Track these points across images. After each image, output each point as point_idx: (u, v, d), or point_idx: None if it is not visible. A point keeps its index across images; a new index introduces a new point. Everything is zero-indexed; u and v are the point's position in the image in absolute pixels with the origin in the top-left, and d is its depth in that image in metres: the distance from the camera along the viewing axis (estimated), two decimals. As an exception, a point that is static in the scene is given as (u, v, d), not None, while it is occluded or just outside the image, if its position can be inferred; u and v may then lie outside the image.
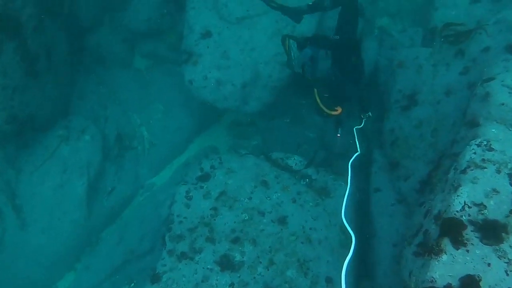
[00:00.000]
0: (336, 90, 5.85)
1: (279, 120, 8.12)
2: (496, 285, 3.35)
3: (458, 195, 3.87)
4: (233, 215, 5.78)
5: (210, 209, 5.83)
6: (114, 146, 7.90)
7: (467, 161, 4.15)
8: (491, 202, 3.78)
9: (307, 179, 6.43)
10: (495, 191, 3.84)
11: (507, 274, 3.39)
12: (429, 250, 3.66)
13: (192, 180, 6.26)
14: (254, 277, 5.24)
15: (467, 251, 3.53)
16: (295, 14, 6.32)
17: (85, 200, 7.28)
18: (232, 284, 5.19)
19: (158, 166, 8.14)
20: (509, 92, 4.78)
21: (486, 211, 3.72)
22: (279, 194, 6.02)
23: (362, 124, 6.29)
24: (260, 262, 5.36)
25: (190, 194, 5.99)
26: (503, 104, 4.70)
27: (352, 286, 5.54)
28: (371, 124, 7.22)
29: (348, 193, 5.14)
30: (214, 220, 5.73)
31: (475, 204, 3.79)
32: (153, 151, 8.13)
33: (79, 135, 7.54)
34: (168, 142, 8.17)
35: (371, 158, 6.68)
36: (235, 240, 5.55)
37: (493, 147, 4.23)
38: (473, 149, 4.25)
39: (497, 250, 3.50)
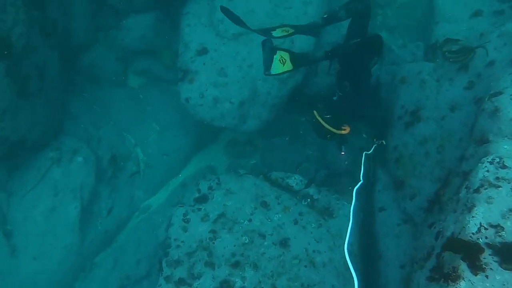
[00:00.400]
0: (344, 107, 5.72)
1: (278, 139, 7.95)
2: (519, 313, 3.13)
3: (473, 216, 3.64)
4: (233, 238, 5.54)
5: (209, 232, 5.59)
6: (108, 167, 7.67)
7: (480, 180, 3.94)
8: (508, 224, 3.56)
9: (309, 199, 6.21)
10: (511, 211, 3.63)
11: (531, 301, 3.17)
12: (445, 276, 3.43)
13: (189, 202, 6.04)
14: (256, 304, 5.00)
15: (486, 276, 3.30)
16: (312, 30, 6.26)
17: (78, 224, 7.01)
18: (233, 312, 4.95)
19: (154, 188, 7.93)
20: (520, 107, 4.60)
21: (504, 233, 3.50)
22: (280, 216, 5.79)
23: (372, 150, 6.16)
24: (262, 288, 5.11)
25: (188, 217, 5.76)
26: (513, 119, 4.52)
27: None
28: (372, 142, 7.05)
29: (351, 227, 5.07)
30: (213, 243, 5.49)
31: (492, 226, 3.56)
32: (149, 172, 7.93)
33: (71, 157, 7.29)
34: (164, 163, 7.97)
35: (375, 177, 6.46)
36: (236, 265, 5.31)
37: (506, 164, 4.03)
38: (485, 166, 4.04)
39: (518, 275, 3.28)
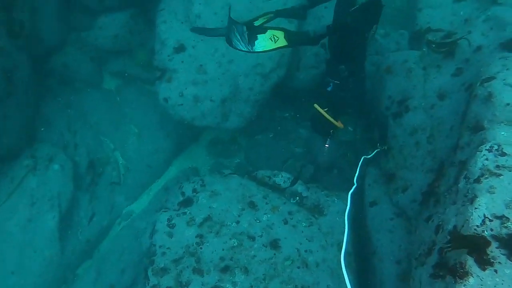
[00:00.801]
0: (343, 97, 5.52)
1: (262, 136, 7.73)
2: (533, 307, 2.95)
3: (476, 208, 3.45)
4: (221, 241, 5.28)
5: (195, 237, 5.32)
6: (86, 174, 7.35)
7: (480, 169, 3.76)
8: (514, 213, 3.38)
9: (298, 197, 5.99)
10: (516, 200, 3.45)
11: (544, 295, 2.99)
12: (452, 272, 3.23)
13: (173, 206, 5.77)
14: (249, 310, 4.76)
15: (495, 271, 3.11)
16: (298, 12, 6.07)
17: (57, 235, 6.68)
18: (225, 320, 4.70)
19: (135, 193, 7.63)
20: (514, 91, 4.44)
21: (510, 223, 3.31)
22: (269, 216, 5.55)
23: (372, 154, 5.94)
24: (255, 293, 4.88)
25: (172, 222, 5.48)
26: (508, 104, 4.34)
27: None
28: (360, 134, 6.86)
29: (348, 235, 4.80)
30: (201, 248, 5.23)
31: (496, 217, 3.37)
32: (129, 176, 7.64)
33: (47, 164, 6.95)
34: (144, 166, 7.67)
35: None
36: (225, 269, 5.06)
37: (505, 151, 3.86)
38: (484, 155, 3.86)
39: (528, 268, 3.10)
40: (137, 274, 6.19)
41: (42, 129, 7.42)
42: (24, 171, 6.84)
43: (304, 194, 6.01)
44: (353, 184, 5.58)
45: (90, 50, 7.92)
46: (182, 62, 6.61)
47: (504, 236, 3.26)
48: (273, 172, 6.28)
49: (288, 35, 5.25)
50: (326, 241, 5.44)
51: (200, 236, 5.33)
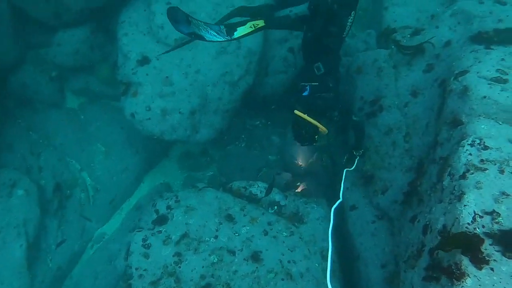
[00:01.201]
0: (323, 98, 5.22)
1: (233, 146, 7.57)
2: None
3: (465, 205, 3.34)
4: (200, 258, 5.07)
5: (173, 256, 5.11)
6: (53, 197, 7.01)
7: (464, 164, 3.67)
8: (503, 208, 3.28)
9: (276, 207, 5.82)
10: (504, 194, 3.36)
11: (543, 290, 2.88)
12: (447, 274, 3.10)
13: (147, 225, 5.53)
14: (235, 329, 4.55)
15: (492, 269, 2.99)
16: (264, 12, 5.78)
17: (25, 264, 6.31)
18: None
19: (106, 214, 7.34)
20: (489, 84, 4.37)
21: (501, 218, 3.21)
22: (248, 228, 5.38)
23: (355, 165, 5.65)
24: (239, 310, 4.68)
25: (148, 242, 5.23)
26: (485, 97, 4.28)
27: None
28: (334, 138, 6.72)
29: (332, 253, 4.55)
30: (179, 267, 5.01)
31: (486, 213, 3.27)
32: (99, 197, 7.34)
33: (10, 190, 6.61)
34: (114, 186, 7.40)
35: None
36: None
37: (487, 145, 3.79)
38: (467, 150, 3.78)
39: (524, 263, 2.99)
40: (113, 299, 5.91)
41: (2, 154, 7.08)
42: (-14, 199, 6.48)
43: (282, 203, 5.84)
44: (337, 199, 5.27)
45: (49, 68, 7.59)
46: (147, 74, 6.38)
47: (497, 232, 3.15)
48: (249, 183, 6.10)
49: (268, 20, 5.17)
50: (308, 250, 5.28)
51: (178, 254, 5.11)
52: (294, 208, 5.79)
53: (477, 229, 3.19)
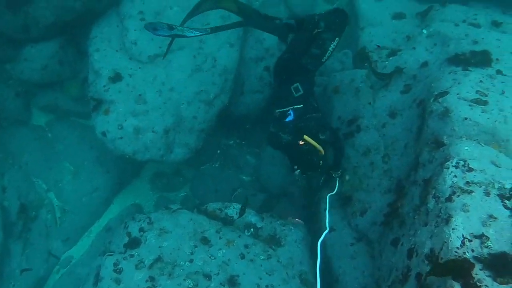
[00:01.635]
0: (311, 119, 5.19)
1: (207, 166, 7.41)
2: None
3: (453, 228, 3.27)
4: (175, 283, 4.84)
5: (146, 281, 4.85)
6: (18, 219, 6.69)
7: (450, 186, 3.62)
8: (491, 231, 3.23)
9: (252, 229, 5.66)
10: (491, 217, 3.32)
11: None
12: (438, 302, 3.00)
13: (119, 248, 5.28)
14: None
15: (484, 296, 2.91)
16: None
17: (-13, 291, 6.01)
18: None
19: (74, 236, 7.02)
20: (469, 105, 4.39)
21: (490, 242, 3.15)
22: (224, 251, 5.19)
23: (336, 188, 5.55)
24: (217, 338, 4.48)
25: (119, 266, 4.98)
26: (466, 118, 4.29)
27: None
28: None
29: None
30: (153, 293, 4.77)
31: (475, 236, 3.21)
32: (66, 218, 7.03)
33: (-28, 213, 6.26)
34: (83, 207, 7.10)
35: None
36: (182, 315, 4.65)
37: (472, 167, 3.76)
38: (451, 172, 3.74)
39: (516, 288, 2.92)
40: (81, 328, 5.60)
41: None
42: None
43: (259, 225, 5.69)
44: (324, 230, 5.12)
45: (16, 84, 7.30)
46: (120, 92, 6.19)
47: (486, 256, 3.09)
48: (224, 204, 5.93)
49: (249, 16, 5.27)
50: (287, 273, 5.13)
51: (151, 279, 4.87)
52: (271, 230, 5.63)
53: (467, 253, 3.12)
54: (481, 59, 5.23)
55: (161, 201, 7.24)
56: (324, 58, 5.37)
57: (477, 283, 2.95)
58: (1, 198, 6.74)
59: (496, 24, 6.10)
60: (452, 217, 3.35)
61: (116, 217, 7.06)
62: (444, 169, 3.78)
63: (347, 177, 5.63)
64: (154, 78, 6.32)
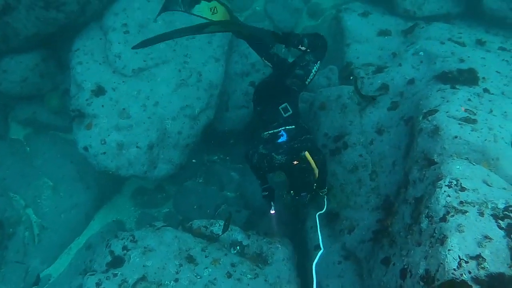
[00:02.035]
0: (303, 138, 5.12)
1: (191, 182, 7.25)
2: None
3: (449, 249, 3.23)
4: (160, 304, 4.70)
5: (130, 302, 4.71)
6: (-6, 236, 6.47)
7: (444, 206, 3.59)
8: (487, 252, 3.20)
9: (238, 247, 5.53)
10: (487, 238, 3.29)
11: None
12: (438, 326, 2.95)
13: (101, 267, 5.11)
14: None
15: (483, 319, 2.86)
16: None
17: (-40, 313, 5.75)
18: None
19: (52, 254, 6.78)
20: (459, 124, 4.39)
21: (486, 263, 3.11)
22: (210, 270, 5.07)
23: (325, 208, 5.49)
24: None
25: (102, 287, 4.82)
26: (456, 137, 4.28)
27: None
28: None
29: None
30: (137, 315, 4.63)
31: (471, 257, 3.18)
32: (45, 235, 6.80)
33: None
34: (62, 223, 6.86)
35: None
36: (167, 337, 4.50)
37: (464, 186, 3.74)
38: (444, 191, 3.71)
39: (514, 311, 2.89)
40: None
41: None
42: None
43: (245, 243, 5.57)
44: (314, 249, 5.15)
45: (-8, 96, 7.09)
46: (103, 106, 6.06)
47: (484, 277, 3.06)
48: (210, 221, 5.80)
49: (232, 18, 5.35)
50: (275, 293, 5.03)
51: (135, 300, 4.73)
52: (257, 248, 5.52)
53: (464, 275, 3.09)
54: (468, 77, 5.28)
55: (143, 217, 7.06)
56: (308, 80, 5.41)
57: (476, 306, 2.91)
58: (-23, 214, 6.51)
59: (480, 43, 6.19)
60: (447, 238, 3.32)
61: (97, 234, 6.85)
62: (437, 188, 3.75)
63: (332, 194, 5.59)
64: (138, 92, 6.21)
